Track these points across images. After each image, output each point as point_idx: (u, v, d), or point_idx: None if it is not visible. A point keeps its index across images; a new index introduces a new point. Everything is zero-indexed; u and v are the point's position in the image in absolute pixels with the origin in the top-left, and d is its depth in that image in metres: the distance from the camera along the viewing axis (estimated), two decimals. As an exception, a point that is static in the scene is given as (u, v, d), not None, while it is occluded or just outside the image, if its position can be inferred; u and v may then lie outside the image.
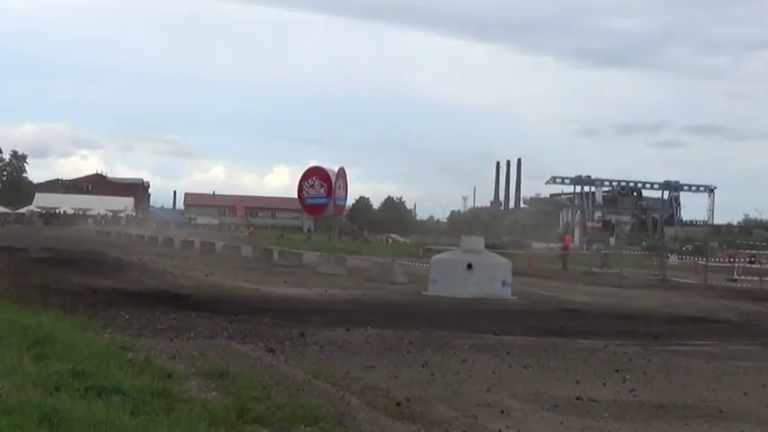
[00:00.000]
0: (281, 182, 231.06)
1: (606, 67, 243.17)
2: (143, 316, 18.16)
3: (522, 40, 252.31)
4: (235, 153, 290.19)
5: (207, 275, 34.40)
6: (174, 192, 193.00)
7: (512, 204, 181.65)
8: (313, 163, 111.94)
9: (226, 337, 15.74)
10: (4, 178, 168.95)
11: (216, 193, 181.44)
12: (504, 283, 30.11)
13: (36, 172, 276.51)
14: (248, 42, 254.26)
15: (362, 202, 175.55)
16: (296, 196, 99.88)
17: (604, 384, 12.72)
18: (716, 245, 79.27)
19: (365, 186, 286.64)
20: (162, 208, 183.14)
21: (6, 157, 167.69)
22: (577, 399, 11.50)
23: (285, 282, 33.10)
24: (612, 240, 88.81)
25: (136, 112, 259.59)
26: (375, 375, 12.67)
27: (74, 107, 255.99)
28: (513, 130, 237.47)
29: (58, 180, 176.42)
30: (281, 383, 10.70)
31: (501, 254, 38.77)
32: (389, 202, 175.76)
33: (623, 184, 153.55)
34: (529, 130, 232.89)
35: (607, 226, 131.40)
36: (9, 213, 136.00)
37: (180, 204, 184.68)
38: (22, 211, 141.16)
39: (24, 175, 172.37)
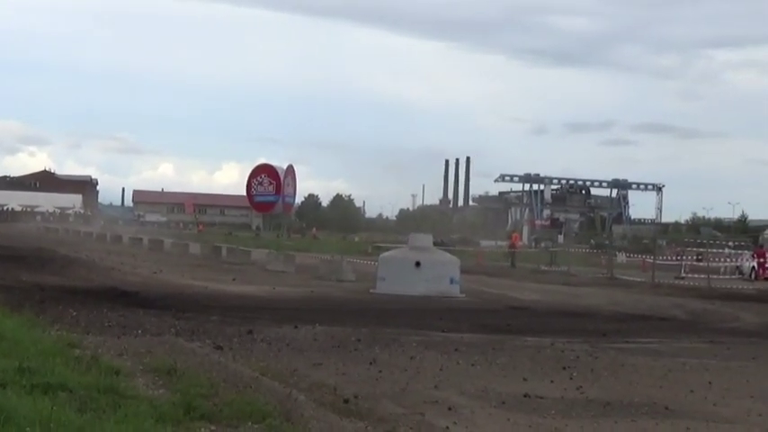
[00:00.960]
0: (230, 179, 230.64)
1: (557, 65, 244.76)
2: (90, 313, 18.02)
3: (474, 38, 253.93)
4: (184, 150, 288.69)
5: (155, 273, 34.23)
6: (123, 189, 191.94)
7: (461, 202, 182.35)
8: (262, 160, 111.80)
9: (173, 334, 15.67)
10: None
11: (164, 190, 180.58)
12: (452, 281, 30.19)
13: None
14: (200, 39, 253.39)
15: (311, 200, 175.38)
16: (245, 194, 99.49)
17: (552, 381, 12.81)
18: (664, 243, 79.98)
19: (314, 184, 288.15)
20: (110, 205, 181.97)
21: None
22: (525, 396, 11.56)
23: (233, 279, 33.02)
24: (561, 238, 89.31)
25: (84, 109, 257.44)
26: (323, 372, 12.67)
27: (22, 104, 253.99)
28: (464, 128, 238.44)
29: (5, 177, 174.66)
30: (229, 380, 10.68)
31: (449, 251, 38.91)
32: (338, 199, 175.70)
33: (572, 182, 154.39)
34: (479, 128, 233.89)
35: (556, 224, 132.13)
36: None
37: (128, 202, 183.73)
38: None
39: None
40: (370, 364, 13.70)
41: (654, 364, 15.10)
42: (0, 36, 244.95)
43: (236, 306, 22.34)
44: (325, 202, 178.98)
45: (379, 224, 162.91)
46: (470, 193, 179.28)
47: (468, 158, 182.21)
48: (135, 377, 10.53)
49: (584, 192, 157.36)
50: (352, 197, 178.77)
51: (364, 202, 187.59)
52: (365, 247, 68.75)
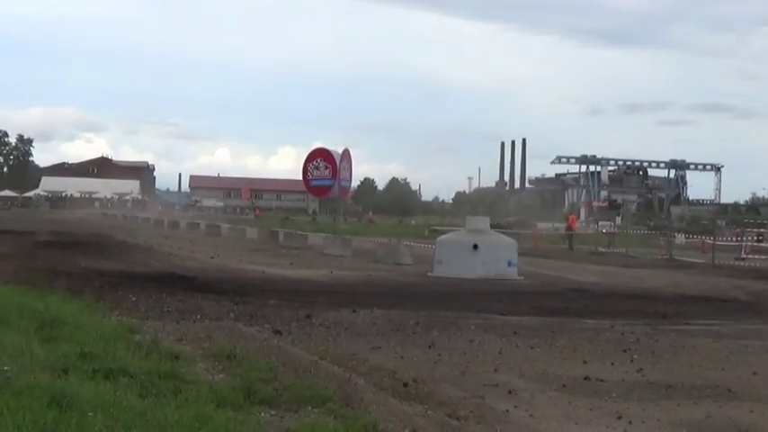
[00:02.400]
0: (285, 164, 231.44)
1: (612, 46, 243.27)
2: (149, 298, 18.16)
3: (527, 19, 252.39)
4: (239, 135, 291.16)
5: (212, 257, 34.43)
6: (180, 174, 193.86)
7: (517, 185, 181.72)
8: (318, 144, 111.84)
9: (232, 318, 15.74)
10: (11, 162, 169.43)
11: (221, 175, 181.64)
12: (509, 264, 30.09)
13: (42, 156, 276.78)
14: (252, 25, 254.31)
15: (367, 184, 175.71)
16: (301, 178, 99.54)
17: (612, 364, 12.70)
18: (723, 224, 79.12)
19: (370, 168, 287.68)
20: (167, 191, 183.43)
21: (12, 141, 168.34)
22: (585, 379, 11.48)
23: (291, 263, 33.11)
24: (619, 220, 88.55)
25: (140, 95, 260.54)
26: (382, 356, 12.66)
27: (79, 91, 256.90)
28: (519, 110, 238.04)
29: (64, 164, 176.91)
30: (288, 365, 10.69)
31: (506, 234, 38.72)
32: (394, 183, 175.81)
33: (629, 163, 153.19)
34: (534, 110, 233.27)
35: (613, 205, 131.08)
36: (16, 197, 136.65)
37: (185, 187, 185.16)
38: (29, 194, 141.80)
39: (30, 159, 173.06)
40: (429, 347, 13.67)
41: (715, 346, 14.91)
42: (55, 23, 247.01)
43: (293, 290, 22.37)
44: (380, 185, 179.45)
45: (436, 207, 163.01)
46: (527, 175, 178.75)
47: (524, 140, 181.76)
48: (195, 362, 10.58)
49: (641, 173, 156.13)
50: (407, 180, 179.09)
51: (420, 186, 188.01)
52: (422, 231, 68.68)
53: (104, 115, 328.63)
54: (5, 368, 8.76)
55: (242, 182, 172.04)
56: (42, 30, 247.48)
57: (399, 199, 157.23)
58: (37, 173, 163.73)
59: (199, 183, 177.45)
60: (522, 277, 29.67)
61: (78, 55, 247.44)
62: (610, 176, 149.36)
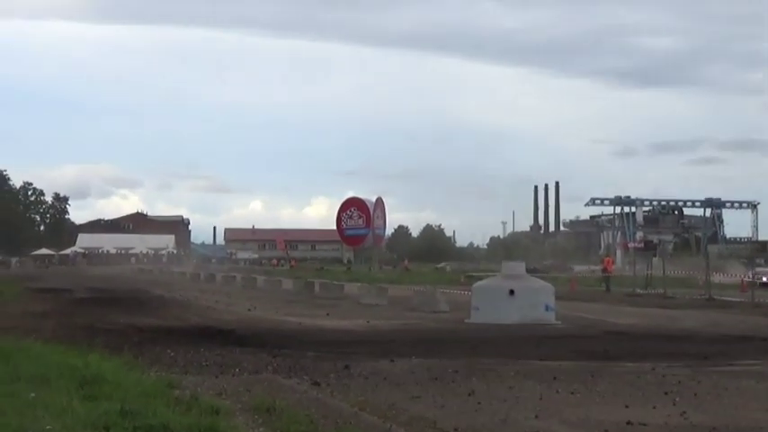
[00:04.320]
0: (319, 214, 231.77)
1: (642, 86, 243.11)
2: (188, 353, 18.21)
3: (556, 62, 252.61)
4: (272, 187, 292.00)
5: (249, 310, 34.45)
6: (214, 227, 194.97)
7: (551, 228, 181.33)
8: (350, 194, 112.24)
9: (270, 371, 15.74)
10: (48, 220, 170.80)
11: (255, 227, 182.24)
12: (547, 308, 29.93)
13: (78, 213, 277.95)
14: (282, 77, 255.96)
15: (401, 231, 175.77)
16: (335, 228, 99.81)
17: (654, 408, 12.57)
18: (762, 261, 78.49)
19: (403, 215, 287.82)
20: (202, 244, 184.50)
21: (49, 199, 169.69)
22: (628, 423, 11.35)
23: (327, 314, 33.05)
24: (656, 260, 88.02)
25: (173, 150, 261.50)
26: (421, 406, 12.59)
27: (112, 147, 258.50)
28: (551, 153, 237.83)
29: (99, 220, 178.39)
30: (328, 416, 10.68)
31: (542, 278, 38.52)
32: (428, 230, 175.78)
33: (664, 203, 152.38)
34: (566, 152, 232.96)
35: (649, 246, 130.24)
36: (53, 255, 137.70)
37: (220, 240, 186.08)
38: (66, 252, 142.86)
39: (67, 216, 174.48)
40: (469, 395, 13.59)
41: (759, 387, 14.74)
42: (87, 80, 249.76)
43: (331, 341, 22.34)
44: (415, 232, 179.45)
45: (470, 253, 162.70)
46: (561, 217, 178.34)
47: (557, 183, 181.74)
48: (235, 416, 10.58)
49: (676, 212, 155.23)
50: (442, 227, 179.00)
51: (454, 232, 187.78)
52: (457, 277, 68.55)
53: (138, 171, 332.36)
54: (48, 427, 8.81)
55: (276, 233, 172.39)
56: (74, 87, 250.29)
57: (434, 245, 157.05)
58: (73, 230, 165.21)
59: (234, 235, 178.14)
60: (560, 321, 29.48)
61: (110, 111, 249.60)
62: (645, 217, 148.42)
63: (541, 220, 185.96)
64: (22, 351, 15.31)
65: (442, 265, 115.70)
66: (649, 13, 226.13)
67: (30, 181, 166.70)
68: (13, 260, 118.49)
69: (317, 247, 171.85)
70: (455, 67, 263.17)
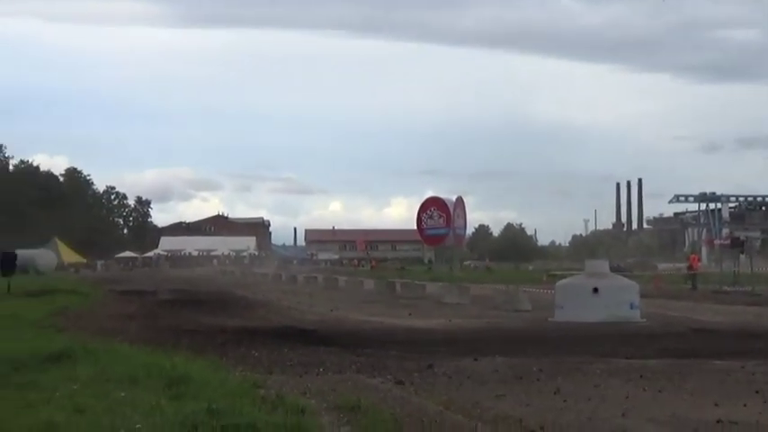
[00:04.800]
0: (399, 214, 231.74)
1: (724, 80, 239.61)
2: (272, 353, 18.34)
3: (637, 58, 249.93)
4: (352, 188, 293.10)
5: (332, 310, 34.59)
6: (295, 229, 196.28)
7: (634, 225, 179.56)
8: (430, 193, 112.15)
9: (354, 370, 15.80)
10: (131, 224, 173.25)
11: (335, 228, 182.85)
12: (631, 306, 29.66)
13: (160, 216, 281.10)
14: (360, 77, 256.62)
15: (482, 231, 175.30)
16: (415, 227, 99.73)
17: (745, 406, 12.38)
18: None
19: (484, 214, 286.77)
20: (283, 245, 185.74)
21: (131, 203, 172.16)
22: (717, 422, 11.18)
23: (409, 314, 33.09)
24: (743, 257, 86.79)
25: (252, 152, 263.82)
26: (506, 404, 12.56)
27: (193, 151, 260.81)
28: (633, 149, 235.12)
29: (181, 223, 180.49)
30: (413, 415, 10.69)
31: (626, 276, 38.17)
32: (509, 229, 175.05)
33: (750, 198, 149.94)
34: (648, 149, 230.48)
35: (736, 243, 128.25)
36: (137, 257, 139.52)
37: (301, 241, 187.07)
38: (149, 254, 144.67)
39: (149, 219, 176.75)
40: (554, 393, 13.52)
41: None
42: (167, 84, 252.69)
43: (414, 340, 22.35)
44: (495, 231, 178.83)
45: (552, 252, 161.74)
46: (644, 215, 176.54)
47: (639, 180, 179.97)
48: (320, 415, 10.63)
49: (764, 208, 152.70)
50: (522, 225, 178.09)
51: (536, 230, 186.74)
52: (539, 276, 68.16)
53: (218, 174, 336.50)
54: (138, 426, 8.96)
55: (357, 234, 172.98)
56: (154, 92, 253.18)
57: (515, 245, 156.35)
58: (156, 233, 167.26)
59: (314, 236, 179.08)
60: (646, 319, 29.19)
61: (190, 115, 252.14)
62: (731, 213, 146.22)
63: (624, 218, 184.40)
64: (110, 352, 15.59)
65: (531, 268, 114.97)
66: (734, 6, 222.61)
67: (113, 185, 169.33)
68: (99, 263, 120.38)
69: (397, 248, 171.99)
70: (534, 65, 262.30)
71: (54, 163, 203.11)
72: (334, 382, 13.73)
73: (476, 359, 17.52)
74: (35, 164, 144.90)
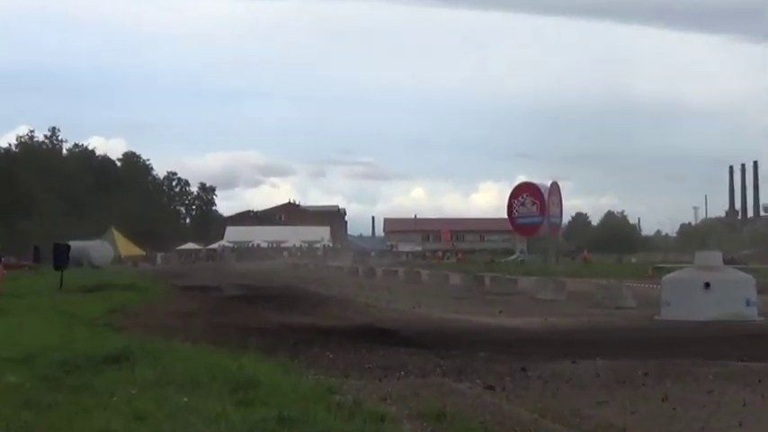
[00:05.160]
0: (488, 201, 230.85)
1: None
2: (348, 354, 18.40)
3: (756, 27, 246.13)
4: (436, 173, 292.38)
5: (414, 307, 34.62)
6: (373, 218, 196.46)
7: (750, 213, 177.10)
8: (523, 178, 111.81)
9: (439, 374, 15.77)
10: (194, 212, 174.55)
11: (417, 217, 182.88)
12: (747, 303, 29.29)
13: (225, 204, 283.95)
14: (445, 51, 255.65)
15: (580, 219, 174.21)
16: (506, 216, 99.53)
17: None
18: None
19: (582, 201, 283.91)
20: (360, 236, 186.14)
21: (194, 190, 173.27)
22: None
23: (500, 311, 33.04)
24: None
25: (327, 135, 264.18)
26: (609, 412, 12.45)
27: (261, 133, 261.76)
28: (747, 130, 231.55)
29: (249, 212, 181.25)
30: (504, 424, 10.63)
31: (742, 269, 37.70)
32: (609, 217, 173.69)
33: None
34: (764, 128, 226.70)
35: None
36: (200, 249, 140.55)
37: (379, 231, 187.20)
38: (214, 246, 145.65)
39: (213, 208, 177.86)
40: (662, 400, 13.38)
41: None
42: (235, 65, 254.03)
43: (504, 340, 22.29)
44: (594, 220, 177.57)
45: (658, 242, 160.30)
46: (760, 201, 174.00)
47: (755, 163, 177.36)
48: (401, 423, 10.61)
49: None
50: (625, 213, 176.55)
51: (639, 219, 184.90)
52: (644, 270, 67.62)
53: (290, 158, 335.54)
54: (201, 435, 9.00)
55: (441, 223, 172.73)
56: (219, 69, 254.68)
57: (616, 235, 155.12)
58: (221, 222, 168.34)
59: (394, 226, 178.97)
60: (763, 318, 28.81)
61: (260, 96, 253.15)
62: None
63: (738, 205, 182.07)
64: (171, 352, 15.72)
65: (634, 261, 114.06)
66: None
67: (174, 171, 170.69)
68: (158, 255, 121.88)
69: (485, 238, 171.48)
70: (638, 38, 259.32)
71: (110, 147, 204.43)
72: (417, 387, 13.70)
73: (574, 362, 17.41)
74: (90, 147, 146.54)
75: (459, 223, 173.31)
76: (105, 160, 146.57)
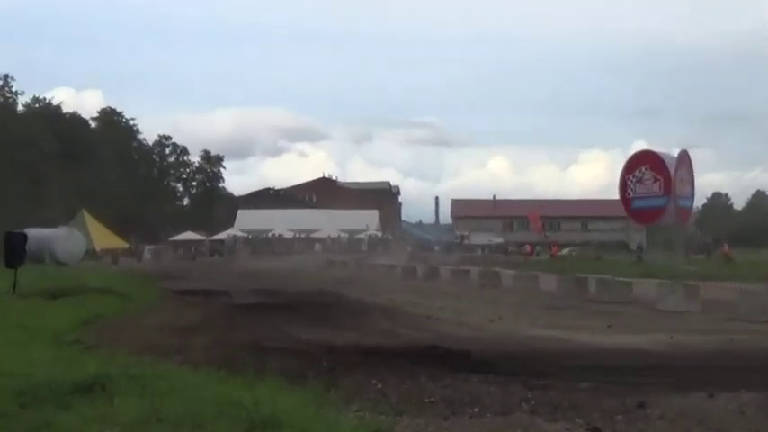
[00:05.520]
0: (593, 177, 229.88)
1: None
2: (402, 384, 18.41)
3: None
4: (521, 138, 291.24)
5: (491, 321, 34.68)
6: (436, 198, 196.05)
7: None
8: (641, 146, 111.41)
9: (527, 411, 15.78)
10: (194, 190, 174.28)
11: (497, 197, 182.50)
12: None
13: (237, 180, 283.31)
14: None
15: (718, 202, 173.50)
16: (617, 197, 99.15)
17: None
18: None
19: (721, 177, 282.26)
20: (419, 224, 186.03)
21: (195, 160, 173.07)
22: None
23: (609, 326, 33.04)
24: None
25: (374, 88, 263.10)
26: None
27: (286, 86, 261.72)
28: None
29: (268, 190, 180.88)
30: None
31: None
32: (759, 198, 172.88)
33: None
34: None
35: None
36: (203, 241, 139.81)
37: (445, 217, 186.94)
38: (221, 236, 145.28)
39: (221, 185, 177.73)
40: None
41: None
42: (247, 3, 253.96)
43: (615, 366, 22.30)
44: (738, 203, 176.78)
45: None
46: None
47: None
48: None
49: None
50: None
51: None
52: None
53: (324, 118, 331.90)
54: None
55: (528, 206, 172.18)
56: (229, 4, 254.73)
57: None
58: (231, 204, 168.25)
59: (465, 210, 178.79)
60: None
61: (286, 35, 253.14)
62: None
63: None
64: (164, 380, 15.76)
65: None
66: None
67: (167, 134, 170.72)
68: (146, 249, 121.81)
69: (589, 226, 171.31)
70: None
71: (82, 101, 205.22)
72: (497, 429, 13.73)
73: (710, 395, 17.37)
74: (55, 102, 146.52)
75: (553, 206, 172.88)
76: (75, 119, 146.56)
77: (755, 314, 35.15)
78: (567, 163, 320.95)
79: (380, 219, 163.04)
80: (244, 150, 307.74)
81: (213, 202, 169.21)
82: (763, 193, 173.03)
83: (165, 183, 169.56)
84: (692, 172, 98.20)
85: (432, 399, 16.96)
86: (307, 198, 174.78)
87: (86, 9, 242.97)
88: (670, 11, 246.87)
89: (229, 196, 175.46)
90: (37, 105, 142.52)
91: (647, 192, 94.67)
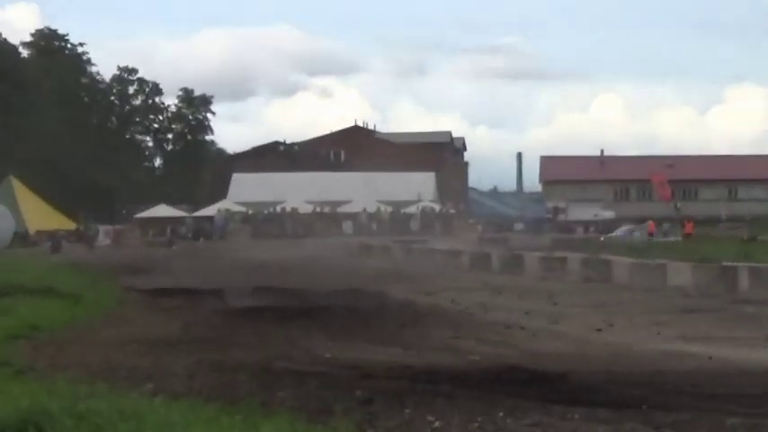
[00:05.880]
0: (743, 123, 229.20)
1: None
2: (470, 420, 18.43)
3: None
4: (639, 69, 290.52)
5: (599, 330, 34.68)
6: (519, 155, 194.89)
7: None
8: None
9: (653, 456, 15.84)
10: (170, 146, 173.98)
11: (605, 153, 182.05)
12: None
13: (230, 129, 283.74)
14: None
15: None
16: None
17: None
18: None
19: None
20: (494, 190, 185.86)
21: (171, 102, 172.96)
22: None
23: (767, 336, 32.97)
24: None
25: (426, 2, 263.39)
26: None
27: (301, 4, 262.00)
28: None
29: (276, 144, 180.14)
30: None
31: None
32: None
33: None
34: None
35: None
36: (182, 218, 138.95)
37: (531, 182, 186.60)
38: (208, 212, 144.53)
39: (208, 137, 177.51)
40: None
41: None
42: None
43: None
44: None
45: None
46: None
47: None
48: None
49: None
50: None
51: None
52: None
53: (356, 42, 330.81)
54: None
55: (650, 164, 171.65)
56: None
57: None
58: (222, 166, 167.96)
59: (559, 171, 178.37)
60: None
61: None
62: None
63: None
64: (128, 418, 15.84)
65: None
66: None
67: (133, 66, 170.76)
68: (101, 230, 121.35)
69: (738, 194, 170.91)
70: None
71: (9, 19, 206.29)
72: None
73: None
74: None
75: (686, 165, 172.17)
76: (2, 46, 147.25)
77: None
78: (707, 104, 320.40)
79: (438, 185, 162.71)
80: (241, 89, 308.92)
81: (197, 163, 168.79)
82: None
83: (127, 136, 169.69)
84: None
85: (514, 441, 17.06)
86: (332, 156, 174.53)
87: None
88: None
89: (220, 154, 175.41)
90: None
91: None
